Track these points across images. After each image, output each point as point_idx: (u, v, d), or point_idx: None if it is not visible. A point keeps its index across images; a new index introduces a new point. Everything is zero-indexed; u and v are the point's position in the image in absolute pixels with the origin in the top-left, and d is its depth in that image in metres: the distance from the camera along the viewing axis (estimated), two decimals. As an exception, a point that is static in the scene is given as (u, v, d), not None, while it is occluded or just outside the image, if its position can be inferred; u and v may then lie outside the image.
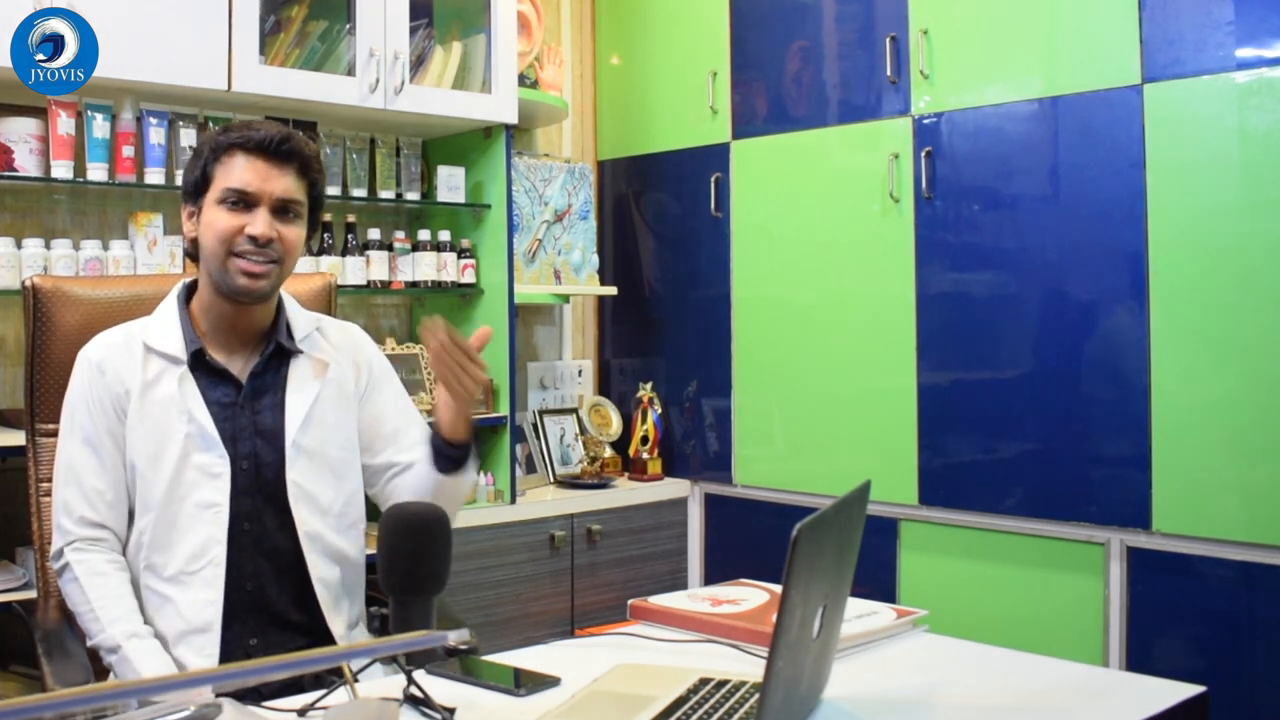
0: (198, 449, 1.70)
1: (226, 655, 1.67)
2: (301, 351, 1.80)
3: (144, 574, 1.70)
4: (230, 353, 1.77)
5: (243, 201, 1.70)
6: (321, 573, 1.74)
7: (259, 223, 1.69)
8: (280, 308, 1.81)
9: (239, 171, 1.70)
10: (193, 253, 1.77)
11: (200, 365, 1.74)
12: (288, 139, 1.72)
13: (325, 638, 1.74)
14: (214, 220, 1.70)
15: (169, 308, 1.79)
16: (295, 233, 1.73)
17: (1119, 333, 2.66)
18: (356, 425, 1.84)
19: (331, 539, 1.76)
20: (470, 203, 3.29)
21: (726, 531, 3.51)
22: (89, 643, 1.67)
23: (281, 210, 1.71)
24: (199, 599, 1.68)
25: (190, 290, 1.81)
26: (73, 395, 1.75)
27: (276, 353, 1.78)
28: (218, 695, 1.33)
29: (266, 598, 1.73)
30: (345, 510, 1.80)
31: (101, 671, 1.75)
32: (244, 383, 1.75)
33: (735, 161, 3.45)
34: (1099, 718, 1.36)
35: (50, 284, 1.91)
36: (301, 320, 1.83)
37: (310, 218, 1.78)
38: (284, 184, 1.71)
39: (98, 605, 1.65)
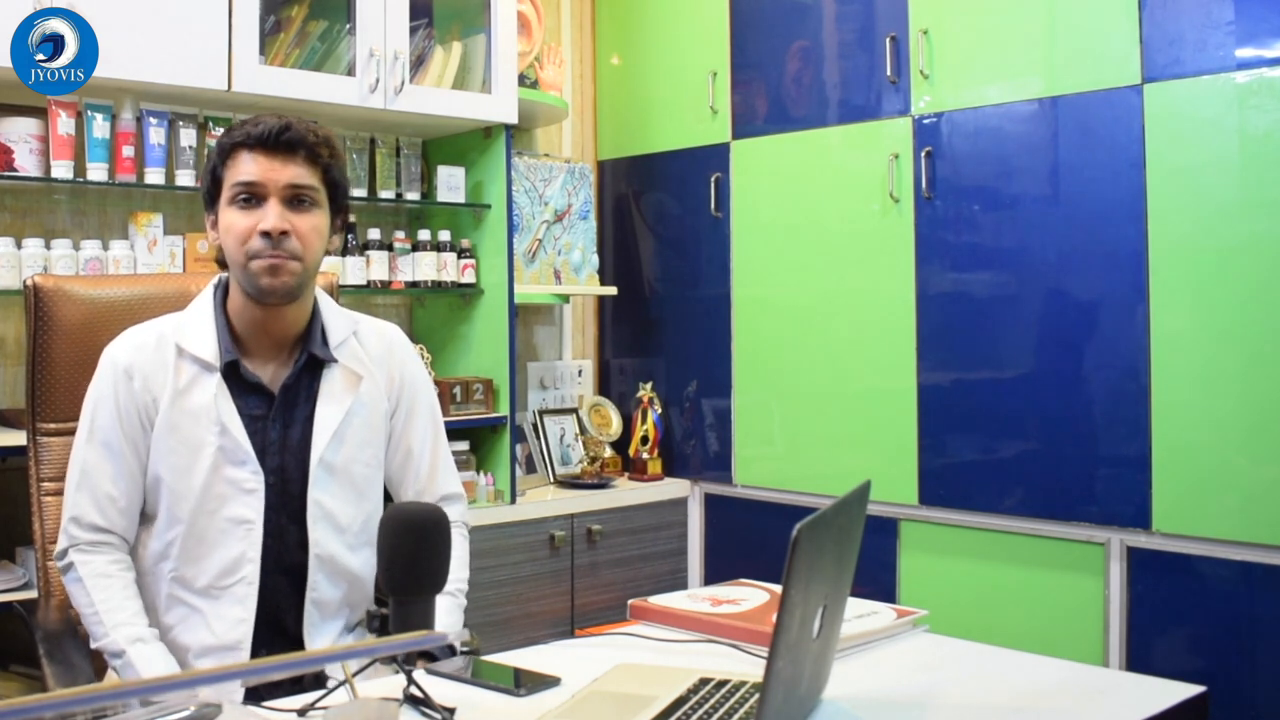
0: (230, 463, 1.68)
1: None
2: (336, 361, 1.76)
3: (171, 584, 1.69)
4: (263, 360, 1.74)
5: (252, 196, 1.67)
6: (321, 594, 1.72)
7: (270, 216, 1.65)
8: (316, 309, 1.78)
9: (244, 166, 1.67)
10: (221, 259, 1.75)
11: (233, 374, 1.71)
12: (288, 128, 1.67)
13: None
14: (230, 223, 1.68)
15: (204, 307, 1.75)
16: (311, 222, 1.69)
17: (1119, 333, 2.66)
18: (385, 441, 1.82)
19: (344, 559, 1.74)
20: (470, 203, 3.29)
21: (726, 531, 3.51)
22: (93, 645, 1.66)
23: (294, 200, 1.67)
24: (230, 616, 1.67)
25: (227, 289, 1.77)
26: (95, 395, 1.72)
27: (310, 363, 1.74)
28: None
29: (280, 612, 1.72)
30: (363, 528, 1.77)
31: (101, 670, 1.75)
32: (276, 394, 1.72)
33: (735, 161, 3.45)
34: (1099, 718, 1.36)
35: (52, 283, 1.90)
36: (337, 324, 1.79)
37: (333, 205, 1.74)
38: (291, 172, 1.67)
39: (102, 609, 1.64)
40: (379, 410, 1.80)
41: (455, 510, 1.87)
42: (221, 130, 2.74)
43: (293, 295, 1.70)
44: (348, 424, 1.74)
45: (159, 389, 1.69)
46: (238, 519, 1.68)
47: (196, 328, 1.73)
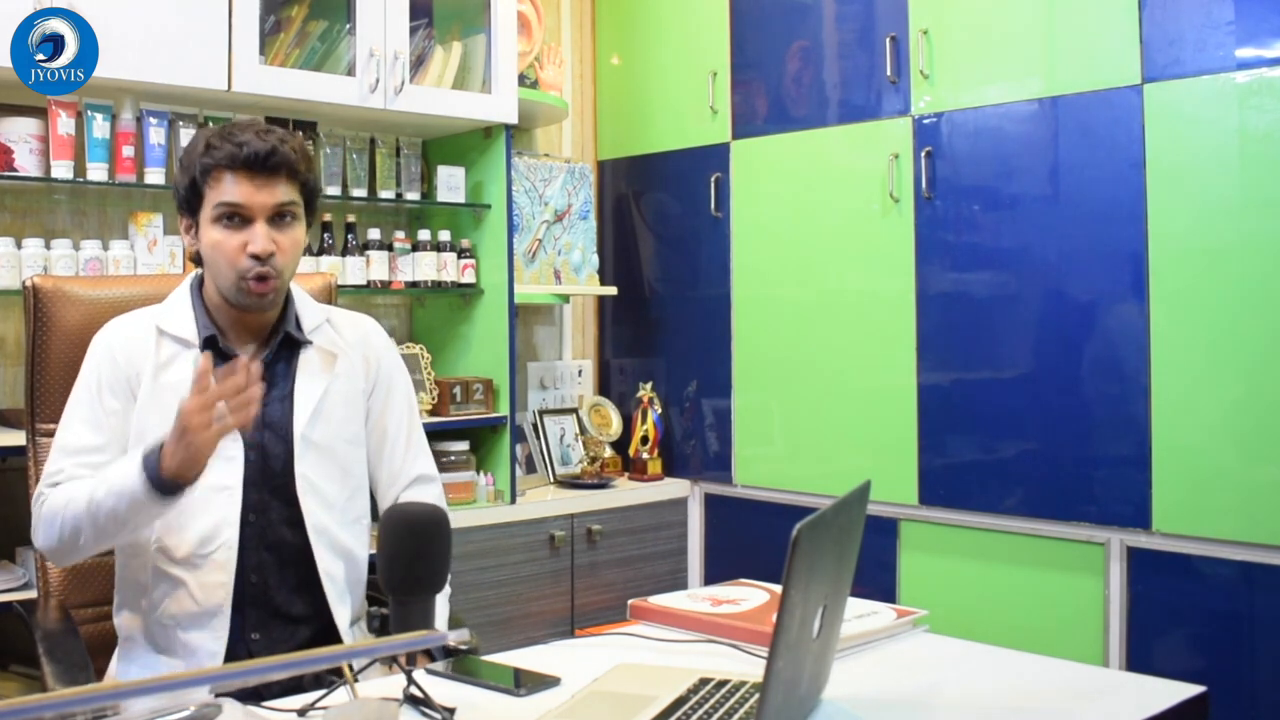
0: None
1: (230, 648, 1.68)
2: (311, 343, 1.80)
3: (155, 556, 1.70)
4: (240, 344, 1.78)
5: (238, 216, 1.70)
6: (328, 566, 1.74)
7: (259, 239, 1.69)
8: (289, 300, 1.81)
9: (229, 187, 1.69)
10: (197, 259, 1.78)
11: (212, 351, 1.73)
12: (273, 153, 1.69)
13: (328, 632, 1.74)
14: (216, 241, 1.71)
15: (182, 295, 1.80)
16: (293, 237, 1.74)
17: (1119, 333, 2.66)
18: (364, 420, 1.85)
19: (337, 534, 1.76)
20: (470, 203, 3.29)
21: (726, 531, 3.51)
22: (81, 519, 1.62)
23: (278, 217, 1.72)
24: (210, 581, 1.68)
25: (202, 280, 1.81)
26: (82, 377, 1.75)
27: (286, 343, 1.78)
28: (218, 695, 1.33)
29: (269, 591, 1.73)
30: (349, 505, 1.80)
31: (101, 671, 1.75)
32: None
33: (735, 161, 3.44)
34: (1099, 718, 1.36)
35: (51, 284, 1.91)
36: (310, 312, 1.84)
37: (307, 207, 1.79)
38: (275, 193, 1.71)
39: (70, 491, 1.64)
40: (356, 388, 1.83)
41: (430, 492, 1.90)
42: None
43: (274, 305, 1.76)
44: (326, 401, 1.78)
45: (141, 363, 1.73)
46: (218, 486, 1.70)
47: (175, 312, 1.78)
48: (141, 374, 1.72)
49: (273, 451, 1.74)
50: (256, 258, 1.69)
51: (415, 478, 1.89)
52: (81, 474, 1.68)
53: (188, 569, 1.69)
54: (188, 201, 1.74)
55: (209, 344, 1.74)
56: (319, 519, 1.74)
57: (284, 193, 1.72)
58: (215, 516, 1.70)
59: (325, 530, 1.75)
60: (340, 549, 1.77)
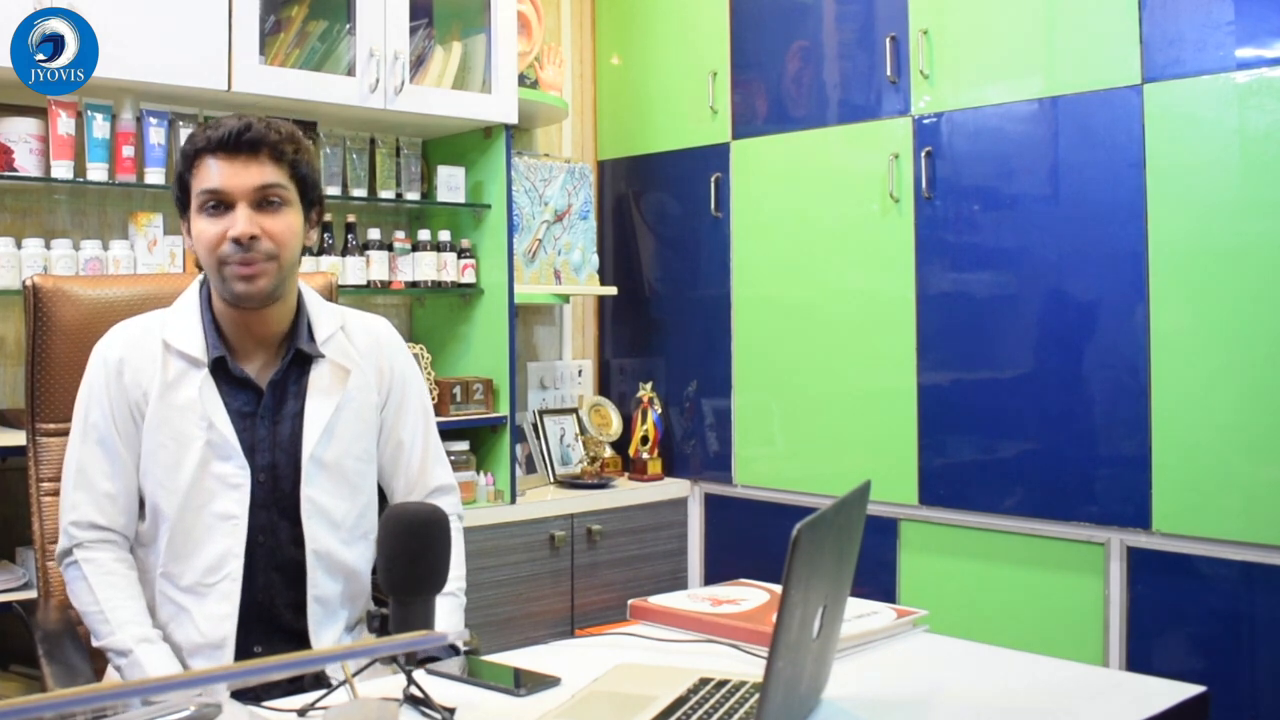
0: (217, 458, 1.67)
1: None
2: (323, 356, 1.75)
3: (160, 580, 1.69)
4: (250, 357, 1.74)
5: (220, 203, 1.65)
6: (321, 590, 1.72)
7: (239, 222, 1.63)
8: (301, 306, 1.77)
9: (210, 173, 1.65)
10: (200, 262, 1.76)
11: (221, 370, 1.70)
12: (247, 129, 1.64)
13: None
14: (200, 231, 1.66)
15: (190, 304, 1.74)
16: (283, 222, 1.67)
17: (1119, 333, 2.66)
18: (376, 435, 1.82)
19: (339, 554, 1.74)
20: (470, 203, 3.29)
21: (726, 531, 3.51)
22: (96, 643, 1.65)
23: (263, 202, 1.66)
24: (215, 613, 1.66)
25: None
26: (87, 393, 1.72)
27: (297, 359, 1.74)
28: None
29: (275, 609, 1.72)
30: (358, 523, 1.77)
31: (101, 670, 1.75)
32: (264, 391, 1.72)
33: (735, 161, 3.44)
34: (1099, 718, 1.36)
35: (51, 284, 1.90)
36: (324, 319, 1.78)
37: (305, 200, 1.72)
38: (255, 174, 1.64)
39: (108, 607, 1.64)
40: (369, 403, 1.79)
41: (448, 502, 1.87)
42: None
43: (271, 297, 1.69)
44: (338, 419, 1.74)
45: (148, 382, 1.69)
46: (223, 514, 1.68)
47: (182, 324, 1.72)
48: (149, 393, 1.69)
49: (282, 473, 1.72)
50: (238, 242, 1.63)
51: (433, 489, 1.86)
52: (106, 531, 1.69)
53: (192, 597, 1.68)
54: (180, 200, 1.71)
55: (218, 365, 1.70)
56: (321, 543, 1.72)
57: (267, 174, 1.65)
58: (220, 547, 1.67)
59: (327, 553, 1.72)
60: (340, 569, 1.74)
